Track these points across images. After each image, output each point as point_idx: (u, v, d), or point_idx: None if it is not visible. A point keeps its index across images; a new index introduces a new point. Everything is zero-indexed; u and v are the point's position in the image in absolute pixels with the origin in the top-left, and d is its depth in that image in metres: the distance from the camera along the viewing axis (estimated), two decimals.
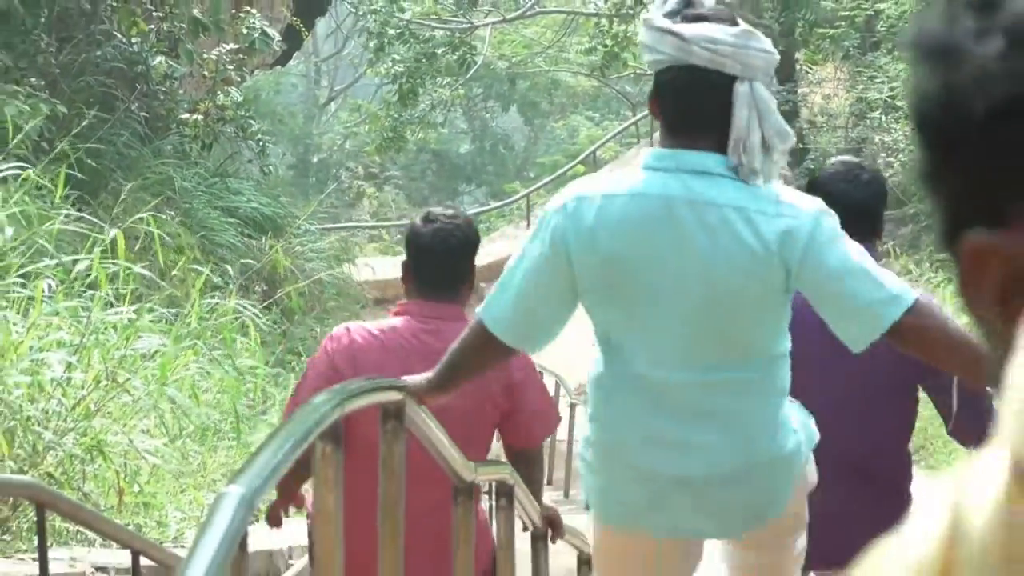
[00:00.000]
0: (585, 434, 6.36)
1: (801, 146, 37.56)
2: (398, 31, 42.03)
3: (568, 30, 50.45)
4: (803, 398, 6.50)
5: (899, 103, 32.90)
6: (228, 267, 19.80)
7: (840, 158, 8.29)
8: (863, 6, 33.33)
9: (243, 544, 3.97)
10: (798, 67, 38.22)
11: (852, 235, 6.11)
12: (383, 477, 6.55)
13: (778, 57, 6.04)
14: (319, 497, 5.91)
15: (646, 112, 49.48)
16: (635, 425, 6.08)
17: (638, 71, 48.70)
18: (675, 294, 5.90)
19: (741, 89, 5.83)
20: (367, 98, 53.92)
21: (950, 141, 1.36)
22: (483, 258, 34.47)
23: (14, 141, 13.52)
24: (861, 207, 7.27)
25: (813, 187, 7.26)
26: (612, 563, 6.55)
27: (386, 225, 50.31)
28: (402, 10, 41.99)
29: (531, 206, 49.34)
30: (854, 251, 5.84)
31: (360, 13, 43.71)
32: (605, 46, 43.83)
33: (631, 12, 43.24)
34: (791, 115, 37.80)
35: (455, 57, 42.81)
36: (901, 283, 5.91)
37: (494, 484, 7.88)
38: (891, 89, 32.88)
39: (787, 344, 6.11)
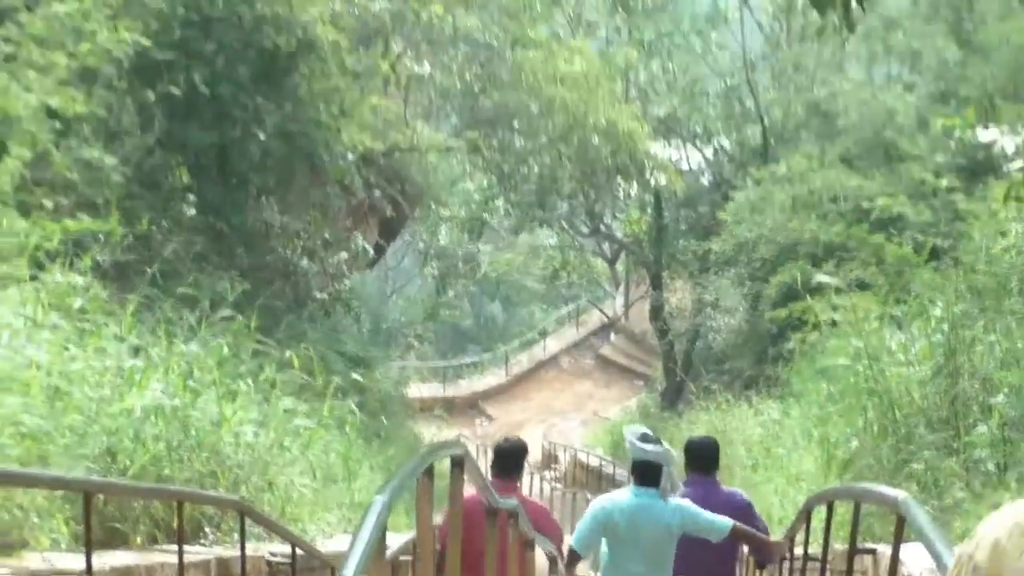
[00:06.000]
0: None
1: (664, 327, 37.34)
2: (435, 252, 42.08)
3: (531, 256, 50.37)
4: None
5: (719, 303, 32.59)
6: (340, 383, 19.66)
7: (696, 435, 10.40)
8: (702, 245, 33.18)
9: (384, 527, 4.02)
10: (663, 280, 38.01)
11: (707, 468, 9.06)
12: (449, 502, 6.56)
13: (675, 454, 8.57)
14: (420, 506, 5.84)
15: (573, 306, 49.03)
16: None
17: (570, 282, 48.64)
18: (640, 540, 8.25)
19: (665, 469, 8.28)
20: (414, 291, 53.98)
21: None
22: (479, 386, 33.79)
23: (229, 301, 13.48)
24: (708, 455, 9.15)
25: (687, 446, 9.24)
26: None
27: (425, 365, 50.06)
28: (438, 241, 42.10)
29: (507, 357, 49.36)
30: (706, 513, 8.33)
31: (414, 241, 43.70)
32: (553, 267, 43.98)
33: (569, 247, 43.34)
34: (659, 309, 37.56)
35: (467, 267, 42.88)
36: (725, 519, 8.37)
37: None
38: (716, 295, 32.56)
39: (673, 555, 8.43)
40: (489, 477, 9.30)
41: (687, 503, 8.42)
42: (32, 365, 7.31)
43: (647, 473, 8.33)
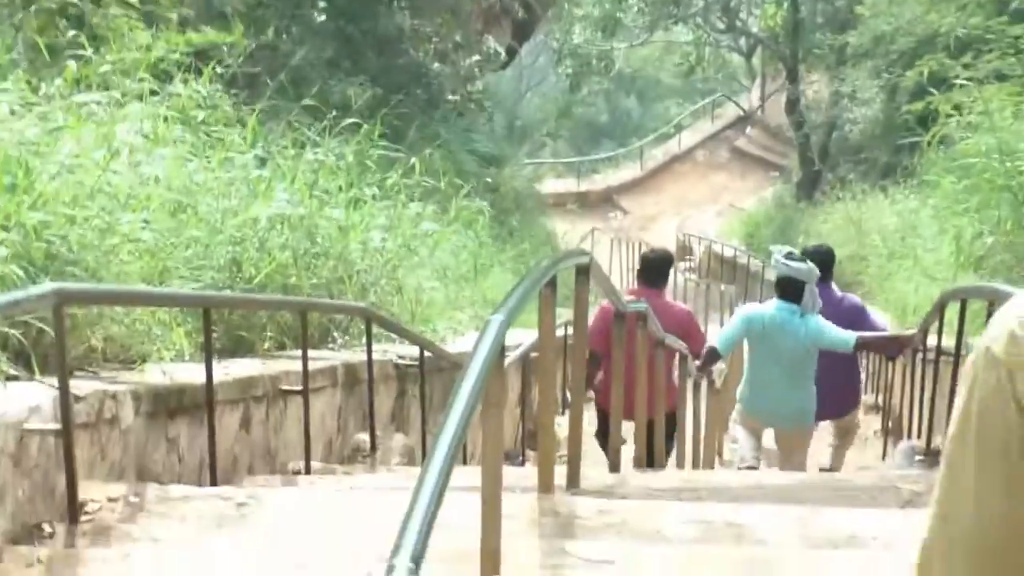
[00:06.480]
0: (742, 387, 9.49)
1: (800, 119, 36.71)
2: (568, 51, 41.55)
3: (666, 51, 49.53)
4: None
5: (856, 95, 31.88)
6: (471, 183, 19.59)
7: (813, 244, 11.10)
8: (838, 38, 32.38)
9: (502, 345, 3.90)
10: (799, 73, 37.21)
11: (823, 275, 9.42)
12: (575, 308, 6.58)
13: (818, 273, 9.12)
14: (542, 319, 5.76)
15: (708, 100, 48.37)
16: (759, 390, 9.22)
17: (706, 77, 47.74)
18: (775, 349, 9.00)
19: (807, 287, 8.92)
20: (549, 90, 53.58)
21: None
22: (613, 180, 33.83)
23: (353, 108, 13.28)
24: (823, 262, 9.68)
25: (804, 252, 9.78)
26: (747, 424, 9.50)
27: (558, 161, 49.83)
28: (572, 40, 41.50)
29: (642, 151, 48.95)
30: (832, 330, 9.01)
31: (548, 40, 43.10)
32: (688, 62, 43.22)
33: (705, 43, 42.47)
34: (795, 102, 36.85)
35: (602, 65, 42.24)
36: (849, 334, 9.02)
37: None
38: (852, 87, 31.82)
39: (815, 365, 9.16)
40: (635, 286, 9.70)
41: (818, 320, 9.06)
42: (152, 180, 7.23)
43: (789, 288, 9.00)
